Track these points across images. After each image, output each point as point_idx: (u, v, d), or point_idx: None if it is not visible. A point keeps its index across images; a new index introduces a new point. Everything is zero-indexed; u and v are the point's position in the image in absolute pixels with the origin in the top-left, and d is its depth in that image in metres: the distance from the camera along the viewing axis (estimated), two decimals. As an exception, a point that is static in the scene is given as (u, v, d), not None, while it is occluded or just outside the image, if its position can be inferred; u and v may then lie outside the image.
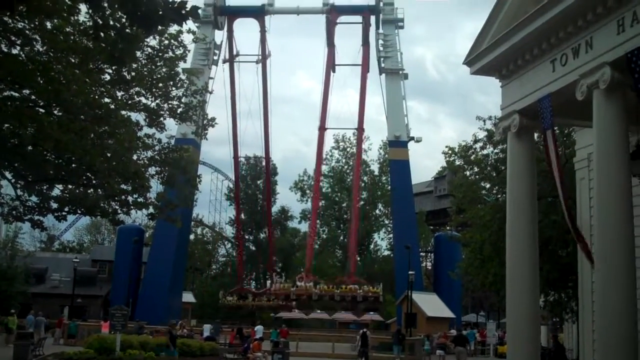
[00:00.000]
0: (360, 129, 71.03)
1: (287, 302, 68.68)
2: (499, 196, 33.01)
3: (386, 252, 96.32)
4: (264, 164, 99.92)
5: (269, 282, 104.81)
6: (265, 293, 75.99)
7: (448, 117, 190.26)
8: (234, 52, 70.89)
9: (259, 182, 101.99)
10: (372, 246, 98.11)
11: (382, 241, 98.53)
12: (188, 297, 77.67)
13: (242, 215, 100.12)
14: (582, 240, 16.94)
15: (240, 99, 73.95)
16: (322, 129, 70.09)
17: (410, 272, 52.94)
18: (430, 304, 61.24)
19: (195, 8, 10.29)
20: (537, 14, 16.23)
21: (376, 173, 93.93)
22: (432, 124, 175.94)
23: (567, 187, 16.94)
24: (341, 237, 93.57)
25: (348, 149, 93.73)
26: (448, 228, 78.17)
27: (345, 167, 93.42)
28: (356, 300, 62.08)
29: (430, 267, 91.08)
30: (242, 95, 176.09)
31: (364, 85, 68.87)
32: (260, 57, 71.45)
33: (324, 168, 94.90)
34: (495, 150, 33.83)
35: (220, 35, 72.54)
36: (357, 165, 76.40)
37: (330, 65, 69.34)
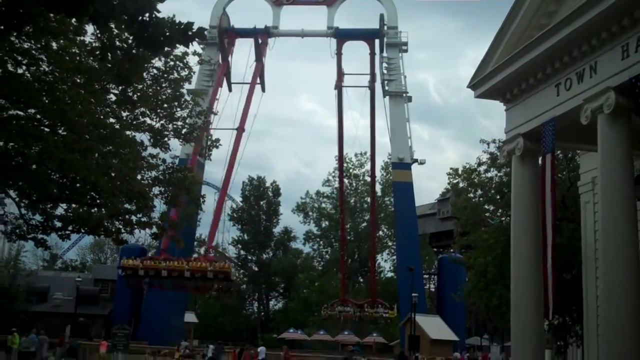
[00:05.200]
0: (372, 138, 72.27)
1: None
2: (503, 219, 32.95)
3: (390, 274, 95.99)
4: (267, 184, 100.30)
5: (272, 302, 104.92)
6: None
7: (450, 140, 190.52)
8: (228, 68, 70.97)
9: (262, 202, 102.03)
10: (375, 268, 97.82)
11: (385, 263, 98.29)
12: (190, 317, 77.39)
13: (245, 236, 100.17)
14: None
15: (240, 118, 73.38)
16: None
17: (413, 294, 52.75)
18: (434, 327, 60.94)
19: (201, 30, 10.34)
20: (542, 38, 16.31)
21: (379, 194, 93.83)
22: (435, 147, 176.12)
23: (556, 212, 16.93)
24: (344, 258, 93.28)
25: (352, 170, 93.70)
26: (452, 250, 77.94)
27: (349, 188, 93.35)
28: (206, 278, 58.68)
29: (433, 290, 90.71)
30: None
31: (374, 100, 68.89)
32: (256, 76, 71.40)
33: (327, 190, 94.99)
34: (499, 174, 33.82)
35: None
36: (372, 169, 77.83)
37: (341, 78, 69.32)
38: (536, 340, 17.72)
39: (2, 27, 12.00)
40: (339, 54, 68.87)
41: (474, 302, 39.38)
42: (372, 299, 72.42)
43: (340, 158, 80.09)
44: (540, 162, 19.09)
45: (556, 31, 15.81)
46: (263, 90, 73.02)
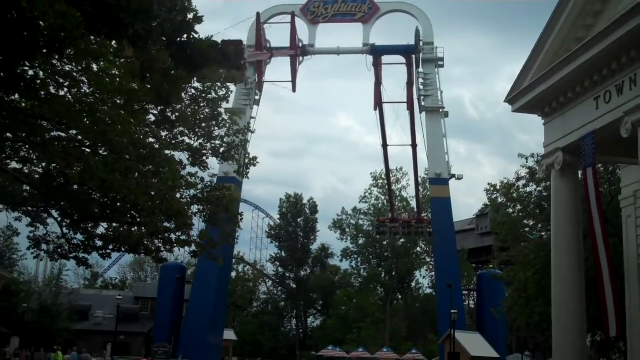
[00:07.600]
0: (414, 154, 71.88)
1: None
2: (543, 234, 32.52)
3: (428, 291, 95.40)
4: (304, 201, 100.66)
5: (310, 319, 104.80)
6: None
7: (487, 155, 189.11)
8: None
9: (299, 219, 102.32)
10: (413, 284, 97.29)
11: (423, 279, 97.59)
12: (229, 334, 77.60)
13: (283, 253, 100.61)
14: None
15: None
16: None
17: (452, 311, 52.23)
18: (474, 344, 60.05)
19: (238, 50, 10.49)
20: (580, 51, 16.16)
21: (416, 210, 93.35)
22: (472, 162, 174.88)
23: (606, 226, 16.63)
24: (382, 275, 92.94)
25: (387, 187, 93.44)
26: (491, 266, 77.07)
27: (386, 205, 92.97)
28: None
29: (473, 306, 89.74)
30: (281, 135, 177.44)
31: (413, 117, 68.20)
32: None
33: (363, 206, 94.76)
34: (539, 188, 33.43)
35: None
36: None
37: (379, 100, 68.71)
38: (579, 358, 17.44)
39: (45, 51, 12.28)
40: (377, 72, 68.51)
41: (514, 318, 38.85)
42: (418, 217, 78.76)
43: (388, 175, 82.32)
44: (580, 176, 18.87)
45: (595, 44, 15.66)
46: (294, 90, 72.17)
